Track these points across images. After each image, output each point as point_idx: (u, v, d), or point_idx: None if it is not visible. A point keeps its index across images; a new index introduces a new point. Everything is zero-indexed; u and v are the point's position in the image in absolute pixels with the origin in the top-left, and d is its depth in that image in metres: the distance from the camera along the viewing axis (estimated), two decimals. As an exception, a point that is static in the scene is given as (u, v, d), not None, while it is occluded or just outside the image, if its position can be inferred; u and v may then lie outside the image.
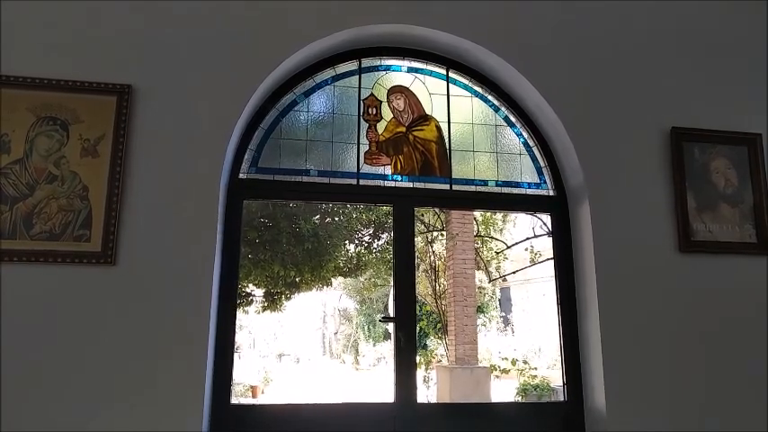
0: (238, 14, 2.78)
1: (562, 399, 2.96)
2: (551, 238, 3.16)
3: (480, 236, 13.01)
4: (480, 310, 14.32)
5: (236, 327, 2.72)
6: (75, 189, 2.46)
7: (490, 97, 3.19)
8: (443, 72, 3.17)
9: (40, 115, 2.50)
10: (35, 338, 2.32)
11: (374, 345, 23.52)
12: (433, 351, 13.62)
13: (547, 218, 3.28)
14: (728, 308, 2.89)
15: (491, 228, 13.41)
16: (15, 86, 2.50)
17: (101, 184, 2.47)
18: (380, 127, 3.04)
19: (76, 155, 2.49)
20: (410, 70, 3.16)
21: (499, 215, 13.28)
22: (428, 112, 3.11)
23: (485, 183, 3.08)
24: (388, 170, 3.00)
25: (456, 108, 3.14)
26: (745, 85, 3.21)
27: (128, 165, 2.52)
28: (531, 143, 3.17)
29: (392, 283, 2.93)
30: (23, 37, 2.58)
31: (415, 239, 3.02)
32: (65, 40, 2.61)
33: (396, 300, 2.88)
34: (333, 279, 11.97)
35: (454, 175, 3.04)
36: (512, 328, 18.89)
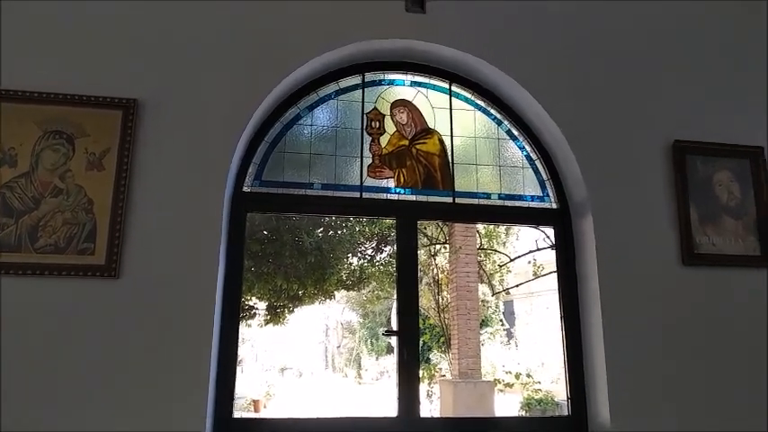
0: (242, 29, 2.81)
1: (566, 413, 2.94)
2: (554, 251, 3.16)
3: (483, 249, 13.00)
4: (484, 323, 14.24)
5: (239, 340, 2.71)
6: (80, 202, 2.47)
7: (493, 111, 3.20)
8: (446, 86, 3.19)
9: (46, 129, 2.52)
10: (38, 351, 2.32)
11: (377, 358, 23.43)
12: (436, 365, 13.55)
13: (550, 231, 3.28)
14: (733, 321, 2.87)
15: (494, 241, 13.40)
16: (22, 101, 2.52)
17: (106, 198, 2.48)
18: (383, 140, 3.06)
19: (82, 168, 2.51)
20: (413, 84, 3.18)
21: (502, 228, 13.28)
22: (431, 125, 3.13)
23: (487, 196, 3.08)
24: (392, 183, 3.01)
25: (458, 121, 3.15)
26: (747, 99, 3.22)
27: (133, 178, 2.53)
28: (533, 156, 3.18)
29: (395, 297, 2.93)
30: (30, 51, 2.61)
31: (418, 252, 3.02)
32: (71, 56, 2.64)
33: (399, 313, 2.87)
34: (336, 292, 11.96)
35: (457, 188, 3.05)
36: (515, 342, 18.78)
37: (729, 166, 3.07)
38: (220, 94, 2.71)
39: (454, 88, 3.19)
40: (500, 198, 3.09)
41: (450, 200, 3.03)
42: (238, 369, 2.78)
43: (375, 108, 3.10)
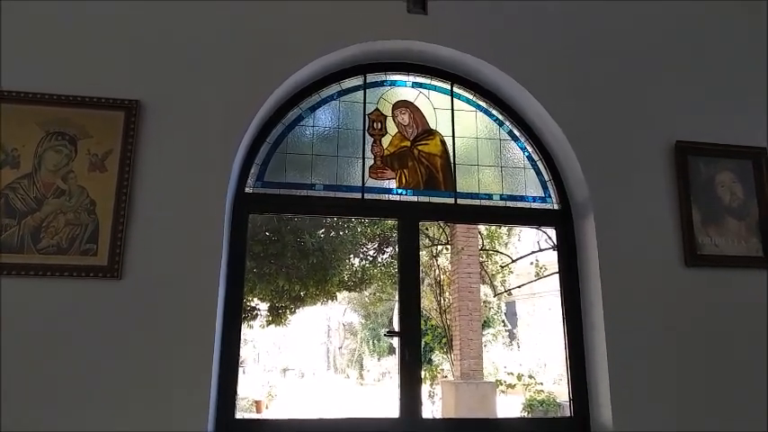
0: (245, 30, 2.82)
1: (568, 414, 2.94)
2: (556, 252, 3.16)
3: (485, 250, 12.98)
4: (486, 324, 14.23)
5: (241, 341, 2.71)
6: (83, 203, 2.48)
7: (494, 112, 3.20)
8: (448, 87, 3.19)
9: (48, 130, 2.53)
10: (41, 352, 2.32)
11: (379, 359, 23.41)
12: (438, 366, 13.54)
13: (552, 232, 3.28)
14: (735, 322, 2.87)
15: (496, 241, 13.39)
16: (25, 102, 2.53)
17: (108, 199, 2.48)
18: (385, 141, 3.06)
19: (84, 169, 2.51)
20: (415, 85, 3.18)
21: (504, 229, 13.26)
22: (432, 126, 3.13)
23: (489, 197, 3.08)
24: (393, 184, 3.01)
25: (460, 122, 3.15)
26: (749, 99, 3.22)
27: (135, 179, 2.54)
28: (535, 157, 3.18)
29: (397, 298, 2.93)
30: (31, 52, 2.62)
31: (420, 253, 3.02)
32: (73, 56, 2.64)
33: (401, 314, 2.88)
34: (337, 293, 11.95)
35: (459, 189, 3.05)
36: (517, 343, 18.77)
37: (731, 167, 3.06)
38: (222, 95, 2.71)
39: (456, 89, 3.19)
40: (502, 199, 3.09)
41: (451, 201, 3.03)
42: (240, 370, 2.78)
43: (377, 109, 3.10)
